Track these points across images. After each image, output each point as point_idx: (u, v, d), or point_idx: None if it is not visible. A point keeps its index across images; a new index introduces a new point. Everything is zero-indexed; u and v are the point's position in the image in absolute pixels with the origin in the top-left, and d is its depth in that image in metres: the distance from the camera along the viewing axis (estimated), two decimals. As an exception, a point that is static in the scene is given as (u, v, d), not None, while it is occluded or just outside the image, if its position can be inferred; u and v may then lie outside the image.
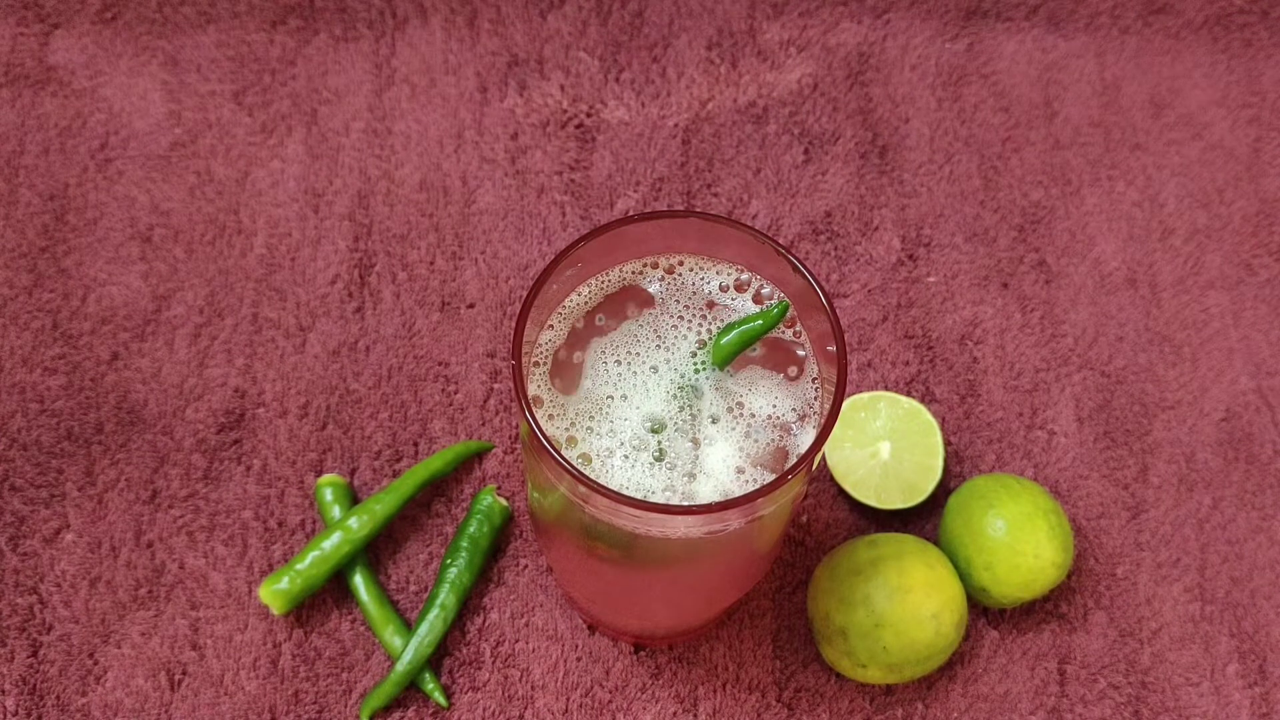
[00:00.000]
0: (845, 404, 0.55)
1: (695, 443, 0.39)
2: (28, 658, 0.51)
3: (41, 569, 0.53)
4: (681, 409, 0.40)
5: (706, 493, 0.39)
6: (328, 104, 0.65)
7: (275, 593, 0.51)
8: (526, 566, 0.54)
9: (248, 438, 0.56)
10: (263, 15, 0.67)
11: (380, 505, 0.52)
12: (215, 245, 0.61)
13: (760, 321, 0.40)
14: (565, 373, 0.41)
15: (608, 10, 0.67)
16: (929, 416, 0.54)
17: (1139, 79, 0.67)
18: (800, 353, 0.42)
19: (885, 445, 0.54)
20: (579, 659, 0.52)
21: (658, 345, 0.41)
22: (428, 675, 0.51)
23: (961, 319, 0.60)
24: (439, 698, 0.50)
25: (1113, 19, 0.68)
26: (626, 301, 0.42)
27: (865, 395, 0.55)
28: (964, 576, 0.51)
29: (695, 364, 0.41)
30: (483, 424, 0.57)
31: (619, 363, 0.41)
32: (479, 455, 0.56)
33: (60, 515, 0.54)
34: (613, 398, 0.40)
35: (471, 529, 0.52)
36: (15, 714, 0.51)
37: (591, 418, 0.40)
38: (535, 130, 0.64)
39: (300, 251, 0.60)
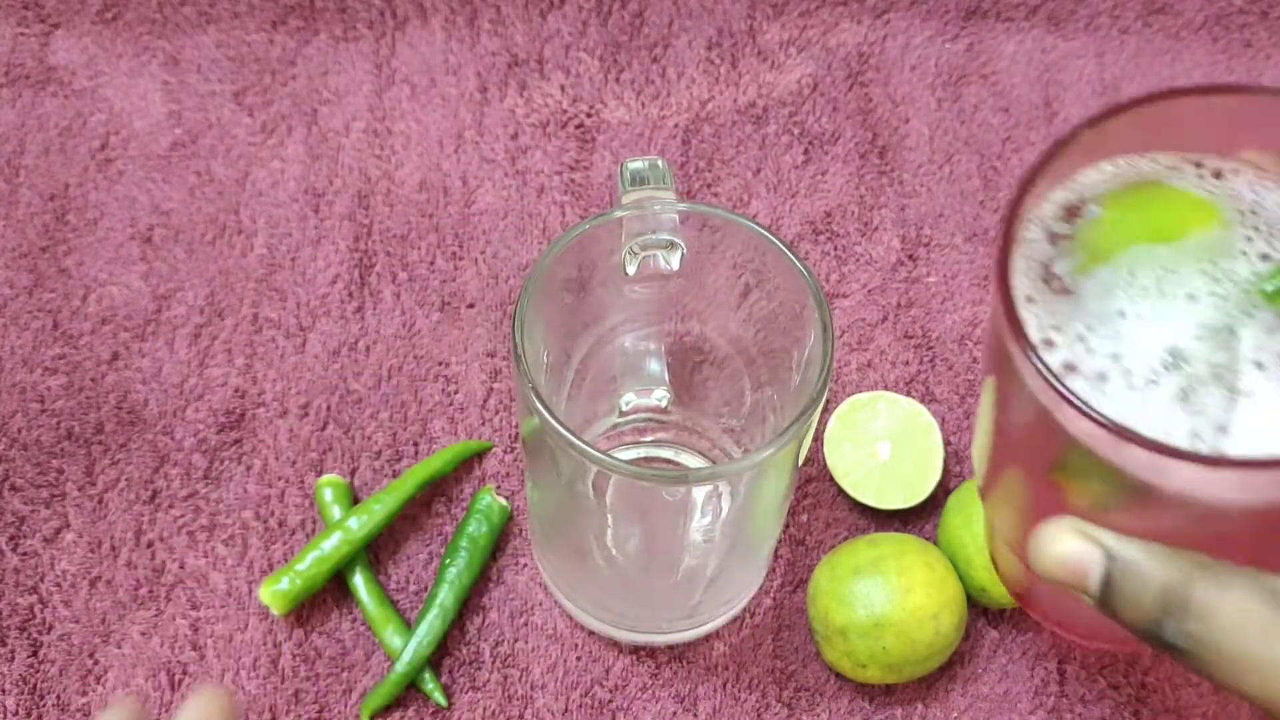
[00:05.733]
0: (844, 404, 0.55)
1: (1233, 391, 0.30)
2: (28, 657, 0.52)
3: (42, 569, 0.53)
4: (1216, 349, 0.31)
5: (1243, 454, 0.30)
6: (328, 104, 0.65)
7: (275, 593, 0.51)
8: (526, 566, 0.54)
9: (248, 438, 0.56)
10: (263, 15, 0.67)
11: (380, 505, 0.53)
12: (216, 245, 0.61)
13: None
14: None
15: (608, 10, 0.67)
16: (929, 417, 0.54)
17: (1139, 79, 0.67)
18: None
19: (885, 445, 0.54)
20: (579, 658, 0.52)
21: (1204, 271, 0.31)
22: (428, 675, 0.51)
23: (961, 319, 0.60)
24: (439, 698, 0.50)
25: (1113, 19, 0.68)
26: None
27: (865, 395, 0.55)
28: (964, 576, 0.51)
29: (1251, 300, 0.31)
30: (483, 423, 0.57)
31: (1146, 274, 0.32)
32: (479, 455, 0.56)
33: (60, 515, 0.54)
34: (1124, 314, 0.31)
35: (471, 528, 0.52)
36: (15, 713, 0.51)
37: (1090, 328, 0.31)
38: (535, 130, 0.64)
39: (300, 251, 0.60)
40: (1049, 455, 0.31)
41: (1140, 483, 0.28)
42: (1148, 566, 0.28)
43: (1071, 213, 0.33)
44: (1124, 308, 0.31)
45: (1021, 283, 0.32)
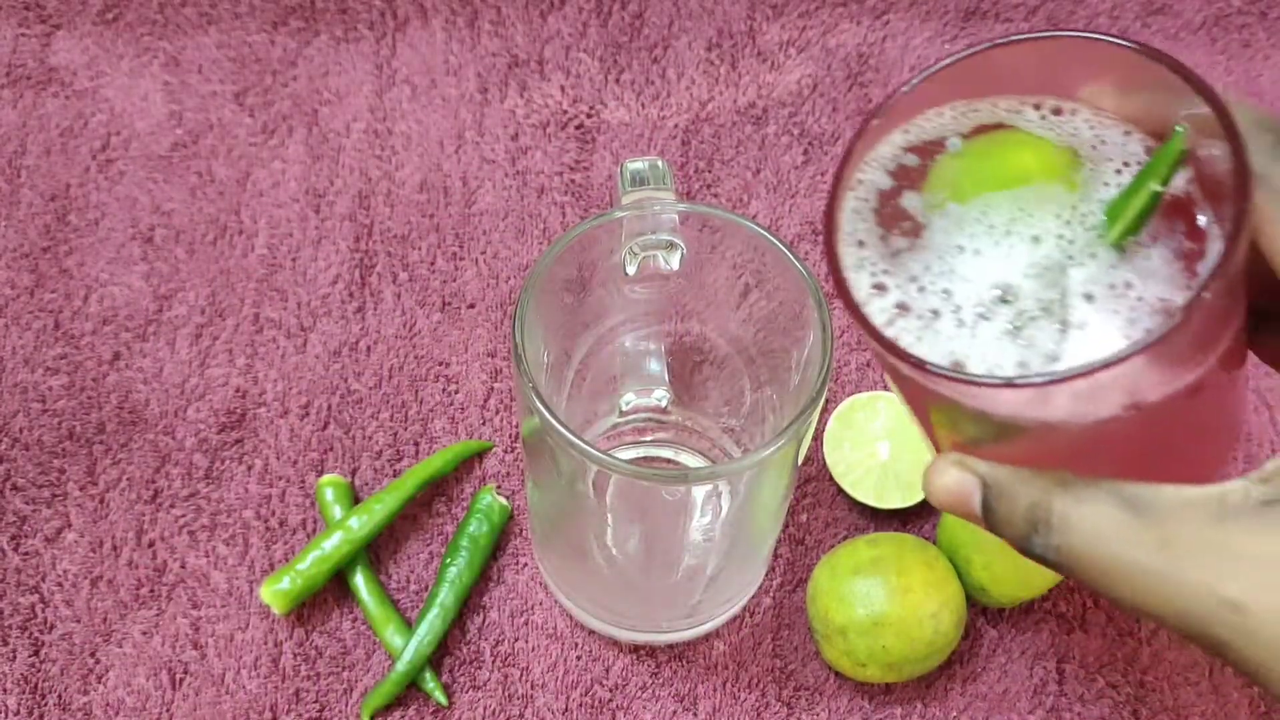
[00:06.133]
0: (843, 404, 0.55)
1: (1064, 324, 0.30)
2: (29, 657, 0.52)
3: (43, 568, 0.53)
4: (1046, 286, 0.30)
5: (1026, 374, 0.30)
6: (329, 104, 0.65)
7: (276, 593, 0.51)
8: (526, 565, 0.54)
9: (249, 437, 0.56)
10: (264, 16, 0.67)
11: (380, 505, 0.53)
12: (217, 245, 0.61)
13: (1154, 175, 0.29)
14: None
15: (608, 11, 0.68)
16: (928, 416, 0.55)
17: (1138, 80, 0.67)
18: (1202, 219, 0.30)
19: (884, 445, 0.54)
20: (579, 658, 0.52)
21: (1058, 215, 0.31)
22: (428, 674, 0.51)
23: (961, 319, 0.60)
24: (439, 697, 0.51)
25: (1112, 19, 0.68)
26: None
27: (864, 395, 0.55)
28: (963, 575, 0.51)
29: (1099, 243, 0.31)
30: (483, 423, 0.57)
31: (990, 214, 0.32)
32: (479, 455, 0.56)
33: (62, 515, 0.54)
34: (963, 249, 0.31)
35: (471, 528, 0.53)
36: (17, 713, 0.51)
37: (927, 267, 0.31)
38: (535, 131, 0.64)
39: (301, 252, 0.61)
40: (924, 404, 0.32)
41: (977, 411, 0.29)
42: (1014, 488, 0.29)
43: (918, 151, 0.33)
44: (963, 244, 0.31)
45: (857, 227, 0.32)
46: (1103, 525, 0.28)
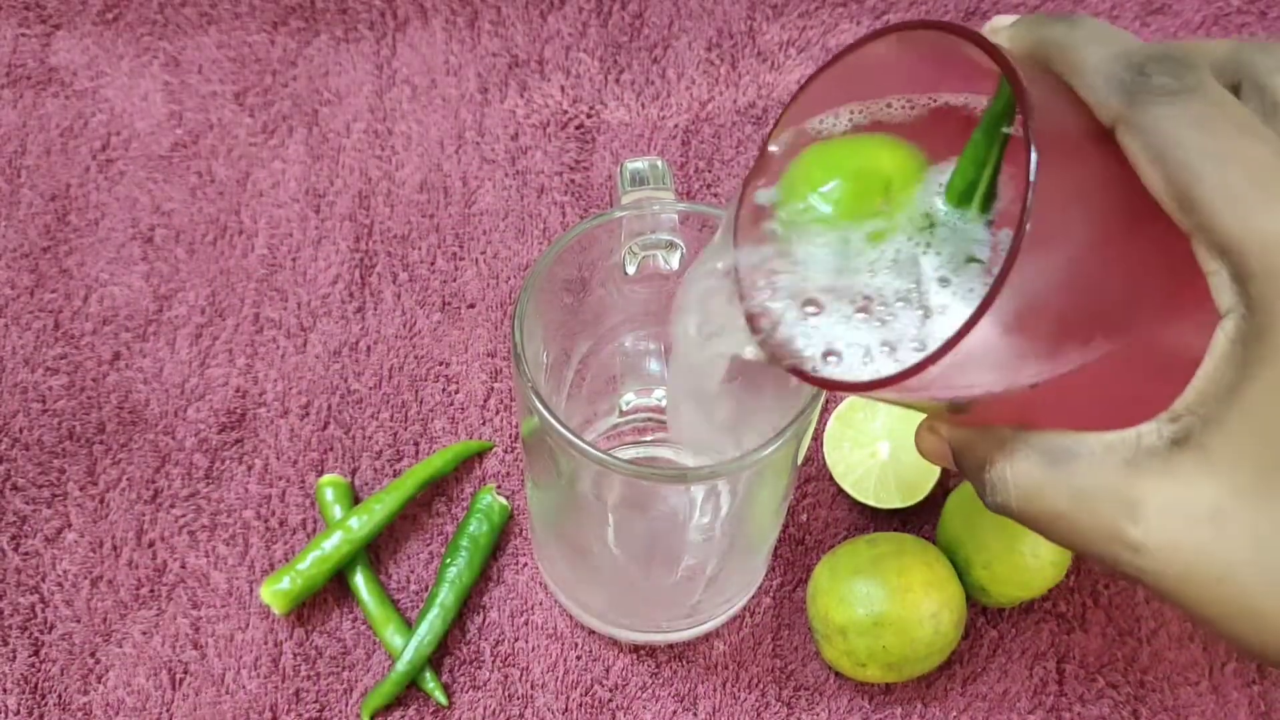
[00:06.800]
0: (844, 404, 0.55)
1: (925, 310, 0.30)
2: (29, 657, 0.52)
3: (43, 568, 0.53)
4: (898, 276, 0.30)
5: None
6: (329, 105, 0.65)
7: (276, 593, 0.51)
8: (526, 565, 0.54)
9: (249, 437, 0.56)
10: (264, 16, 0.67)
11: (380, 505, 0.53)
12: (217, 245, 0.61)
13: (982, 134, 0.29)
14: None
15: (608, 11, 0.68)
16: (928, 416, 0.55)
17: (1138, 80, 0.67)
18: None
19: (884, 445, 0.54)
20: (579, 658, 0.52)
21: (910, 213, 0.31)
22: (428, 674, 0.51)
23: (961, 319, 0.60)
24: (439, 697, 0.51)
25: (1111, 19, 0.68)
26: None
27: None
28: (963, 576, 0.51)
29: (943, 226, 0.30)
30: (483, 423, 0.57)
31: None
32: (479, 455, 0.56)
33: (62, 515, 0.54)
34: (820, 253, 0.32)
35: (471, 528, 0.53)
36: (17, 713, 0.51)
37: (796, 262, 0.32)
38: (535, 131, 0.64)
39: (301, 252, 0.61)
40: None
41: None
42: (967, 450, 0.32)
43: (785, 154, 0.34)
44: (819, 248, 0.32)
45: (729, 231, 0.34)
46: (1028, 480, 0.29)
